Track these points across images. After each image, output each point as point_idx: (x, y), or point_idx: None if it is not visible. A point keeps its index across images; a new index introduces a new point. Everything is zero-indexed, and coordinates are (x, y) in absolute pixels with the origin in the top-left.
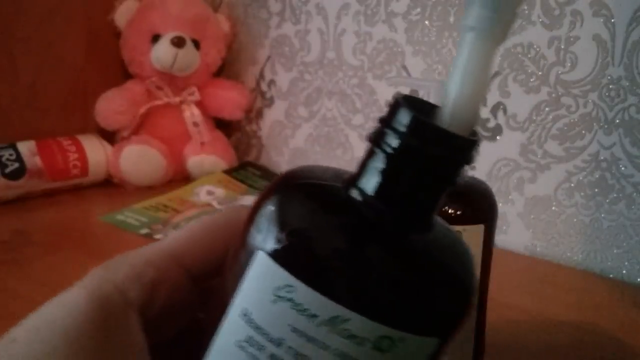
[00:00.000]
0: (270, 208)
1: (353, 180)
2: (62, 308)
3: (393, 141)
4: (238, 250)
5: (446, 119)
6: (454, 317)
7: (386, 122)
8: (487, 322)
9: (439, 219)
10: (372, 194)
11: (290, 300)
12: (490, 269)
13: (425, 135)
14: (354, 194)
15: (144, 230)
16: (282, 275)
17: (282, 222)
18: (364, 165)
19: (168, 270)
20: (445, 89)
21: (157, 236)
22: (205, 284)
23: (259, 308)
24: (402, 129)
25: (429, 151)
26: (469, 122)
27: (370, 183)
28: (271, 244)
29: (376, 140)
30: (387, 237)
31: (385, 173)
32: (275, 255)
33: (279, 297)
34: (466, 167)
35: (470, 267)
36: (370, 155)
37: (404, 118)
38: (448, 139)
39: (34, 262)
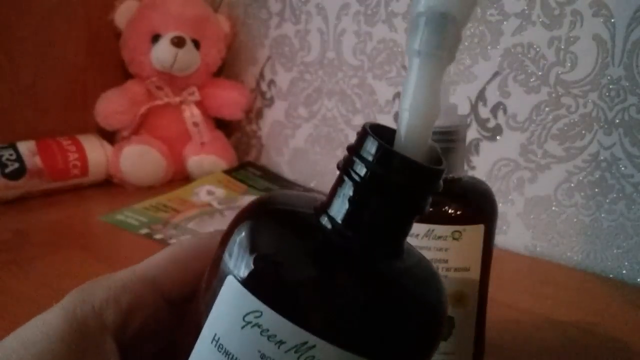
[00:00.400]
0: (241, 234)
1: (324, 207)
2: (39, 330)
3: (360, 170)
4: (210, 275)
5: (399, 143)
6: (422, 344)
7: (354, 150)
8: (487, 322)
9: (411, 247)
10: (341, 222)
11: (258, 325)
12: (490, 269)
13: (391, 164)
14: (324, 221)
15: (144, 230)
16: (251, 301)
17: (251, 248)
18: (333, 193)
19: (144, 295)
20: (399, 113)
21: (157, 236)
22: (182, 307)
23: (229, 333)
24: (369, 157)
25: (395, 180)
26: (421, 145)
27: (340, 210)
28: (240, 269)
29: (345, 168)
30: (354, 264)
31: (353, 201)
32: (244, 281)
33: (247, 322)
34: (432, 196)
35: (440, 294)
36: (339, 183)
37: (371, 147)
38: (414, 168)
39: (34, 262)
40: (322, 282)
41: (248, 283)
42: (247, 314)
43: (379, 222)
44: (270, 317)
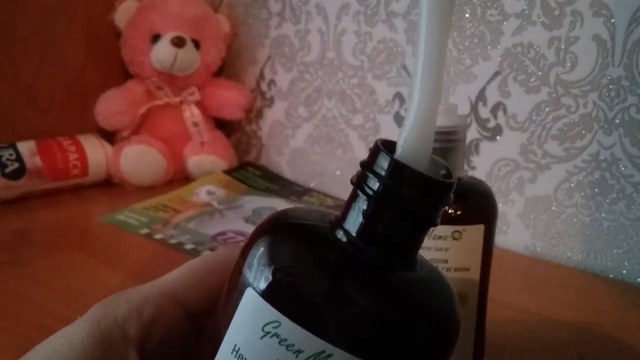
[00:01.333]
0: (259, 248)
1: (338, 221)
2: (66, 341)
3: (373, 184)
4: (231, 288)
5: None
6: (436, 354)
7: (367, 165)
8: (487, 322)
9: (423, 258)
10: (356, 235)
11: (276, 335)
12: (490, 269)
13: (403, 178)
14: (339, 234)
15: (144, 230)
16: (270, 312)
17: (270, 261)
18: (348, 207)
19: (165, 308)
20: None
21: (157, 236)
22: (202, 320)
23: (248, 343)
24: (382, 172)
25: (407, 193)
26: (430, 128)
27: (354, 224)
28: (259, 282)
29: (358, 183)
30: (369, 275)
31: (366, 214)
32: (263, 292)
33: (267, 332)
34: (445, 207)
35: (452, 304)
36: (353, 197)
37: (383, 162)
38: (425, 182)
39: (34, 262)
40: (338, 293)
41: (267, 295)
42: (266, 324)
43: (392, 234)
44: (289, 327)
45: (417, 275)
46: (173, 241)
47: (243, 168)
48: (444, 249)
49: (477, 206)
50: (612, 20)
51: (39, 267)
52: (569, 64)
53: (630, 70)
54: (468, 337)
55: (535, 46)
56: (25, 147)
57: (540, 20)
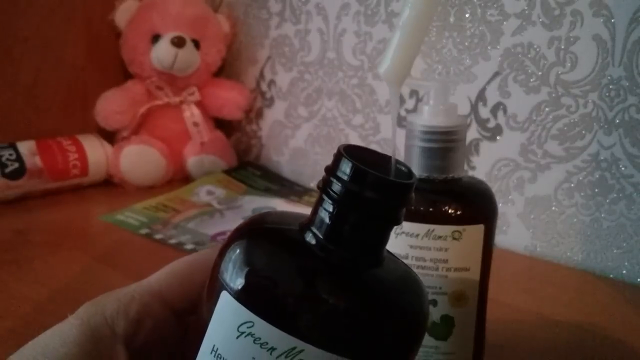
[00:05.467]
0: (233, 252)
1: (308, 224)
2: (57, 338)
3: (337, 188)
4: (209, 291)
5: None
6: (403, 346)
7: (331, 171)
8: (487, 322)
9: (392, 255)
10: (323, 236)
11: (251, 335)
12: (490, 269)
13: (365, 181)
14: (309, 237)
15: (144, 230)
16: (244, 313)
17: (243, 265)
18: (315, 211)
19: (151, 305)
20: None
21: (157, 236)
22: (187, 318)
23: (225, 344)
24: (344, 177)
25: (368, 196)
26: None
27: (321, 226)
28: (234, 285)
29: (324, 187)
30: (336, 275)
31: (332, 217)
32: (237, 295)
33: (242, 332)
34: (406, 206)
35: (419, 299)
36: (320, 201)
37: (345, 167)
38: (385, 184)
39: (34, 262)
40: (307, 293)
41: (241, 297)
42: (241, 324)
43: (357, 235)
44: (262, 327)
45: (384, 272)
46: (173, 241)
47: (243, 168)
48: (444, 249)
49: (477, 206)
50: (612, 20)
51: (39, 267)
52: (569, 64)
53: (630, 70)
54: (468, 337)
55: (535, 46)
56: (25, 147)
57: (540, 20)
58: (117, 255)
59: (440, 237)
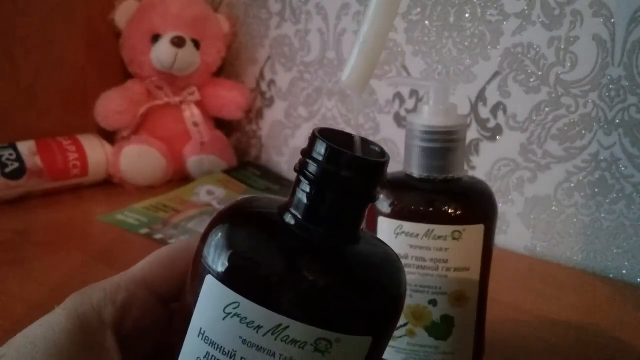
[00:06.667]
0: (215, 237)
1: (286, 206)
2: (45, 328)
3: (313, 169)
4: (193, 276)
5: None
6: (383, 317)
7: (307, 153)
8: (487, 322)
9: (368, 232)
10: (302, 216)
11: (237, 315)
12: (490, 269)
13: (339, 161)
14: (288, 218)
15: (144, 230)
16: (229, 294)
17: (224, 248)
18: (293, 193)
19: (137, 294)
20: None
21: (157, 236)
22: (173, 305)
23: (212, 326)
24: (320, 157)
25: (343, 175)
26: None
27: (299, 207)
28: (217, 268)
29: (300, 169)
30: (316, 252)
31: (309, 197)
32: (221, 277)
33: (228, 314)
34: (380, 184)
35: (395, 271)
36: (297, 183)
37: (320, 148)
38: (359, 162)
39: (34, 262)
40: (288, 271)
41: (225, 279)
42: (227, 306)
43: (334, 213)
44: (247, 307)
45: (361, 248)
46: (173, 241)
47: (243, 168)
48: (444, 249)
49: (477, 206)
50: (612, 20)
51: (39, 267)
52: (569, 64)
53: (630, 70)
54: (468, 337)
55: (535, 46)
56: (25, 147)
57: (540, 20)
58: (117, 255)
59: (440, 237)
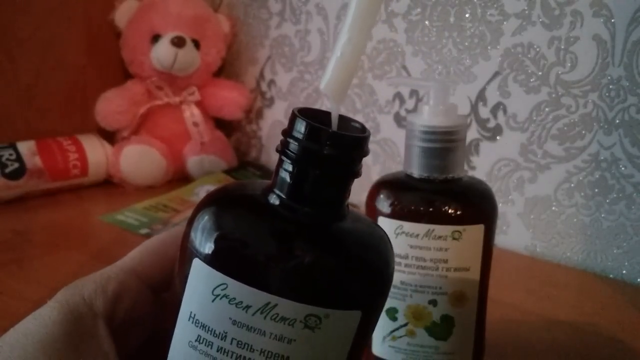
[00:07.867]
0: (200, 220)
1: (270, 187)
2: (37, 321)
3: (294, 148)
4: (180, 262)
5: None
6: (370, 290)
7: (287, 132)
8: (487, 322)
9: (353, 209)
10: (286, 196)
11: (226, 296)
12: (490, 269)
13: (320, 138)
14: (272, 198)
15: (144, 230)
16: (216, 276)
17: (210, 231)
18: (276, 173)
19: (128, 284)
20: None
21: None
22: (163, 294)
23: (202, 309)
24: (300, 136)
25: (325, 152)
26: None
27: (283, 187)
28: (203, 250)
29: (282, 149)
30: (301, 229)
31: (292, 176)
32: (208, 260)
33: (216, 295)
34: (362, 159)
35: (382, 245)
36: (280, 163)
37: (300, 127)
38: (340, 138)
39: (34, 262)
40: (274, 249)
41: (212, 261)
42: (215, 287)
43: (317, 190)
44: (235, 287)
45: (348, 225)
46: None
47: (243, 168)
48: (444, 249)
49: (477, 206)
50: (612, 20)
51: (39, 267)
52: (569, 64)
53: (630, 70)
54: (468, 337)
55: (535, 46)
56: (25, 147)
57: (540, 20)
58: (117, 255)
59: (440, 237)
